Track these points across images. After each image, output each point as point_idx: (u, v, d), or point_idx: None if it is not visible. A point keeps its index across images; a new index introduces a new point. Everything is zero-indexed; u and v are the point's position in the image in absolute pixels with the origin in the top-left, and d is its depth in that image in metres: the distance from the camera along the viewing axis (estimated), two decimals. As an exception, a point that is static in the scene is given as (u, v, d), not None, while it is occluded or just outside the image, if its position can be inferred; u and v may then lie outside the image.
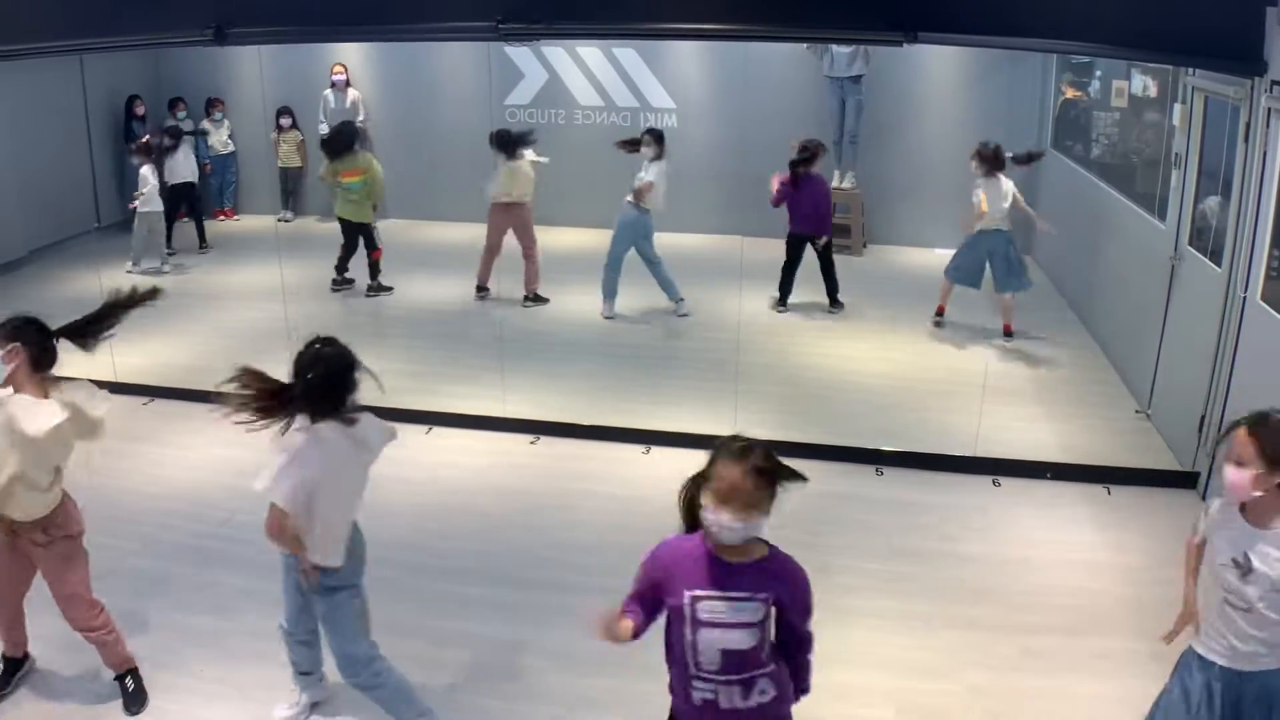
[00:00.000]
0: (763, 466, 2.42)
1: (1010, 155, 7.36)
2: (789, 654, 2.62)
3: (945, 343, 7.54)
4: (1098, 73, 8.52)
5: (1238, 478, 2.73)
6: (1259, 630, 2.78)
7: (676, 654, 2.56)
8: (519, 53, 10.39)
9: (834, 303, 8.22)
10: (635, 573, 2.65)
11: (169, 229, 9.70)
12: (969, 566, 4.74)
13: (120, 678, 3.78)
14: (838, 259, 8.35)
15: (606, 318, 8.05)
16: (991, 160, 7.23)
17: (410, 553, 4.81)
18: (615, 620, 2.60)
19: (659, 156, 7.78)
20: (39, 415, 3.33)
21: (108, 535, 4.80)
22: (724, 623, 2.47)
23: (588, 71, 10.42)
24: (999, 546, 4.93)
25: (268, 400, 3.19)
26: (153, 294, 3.70)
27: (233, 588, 4.50)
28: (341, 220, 8.52)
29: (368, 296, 8.59)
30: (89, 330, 3.57)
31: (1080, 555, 4.86)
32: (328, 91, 10.70)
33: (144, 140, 9.26)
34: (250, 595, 4.37)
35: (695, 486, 2.53)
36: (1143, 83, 7.31)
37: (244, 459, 5.58)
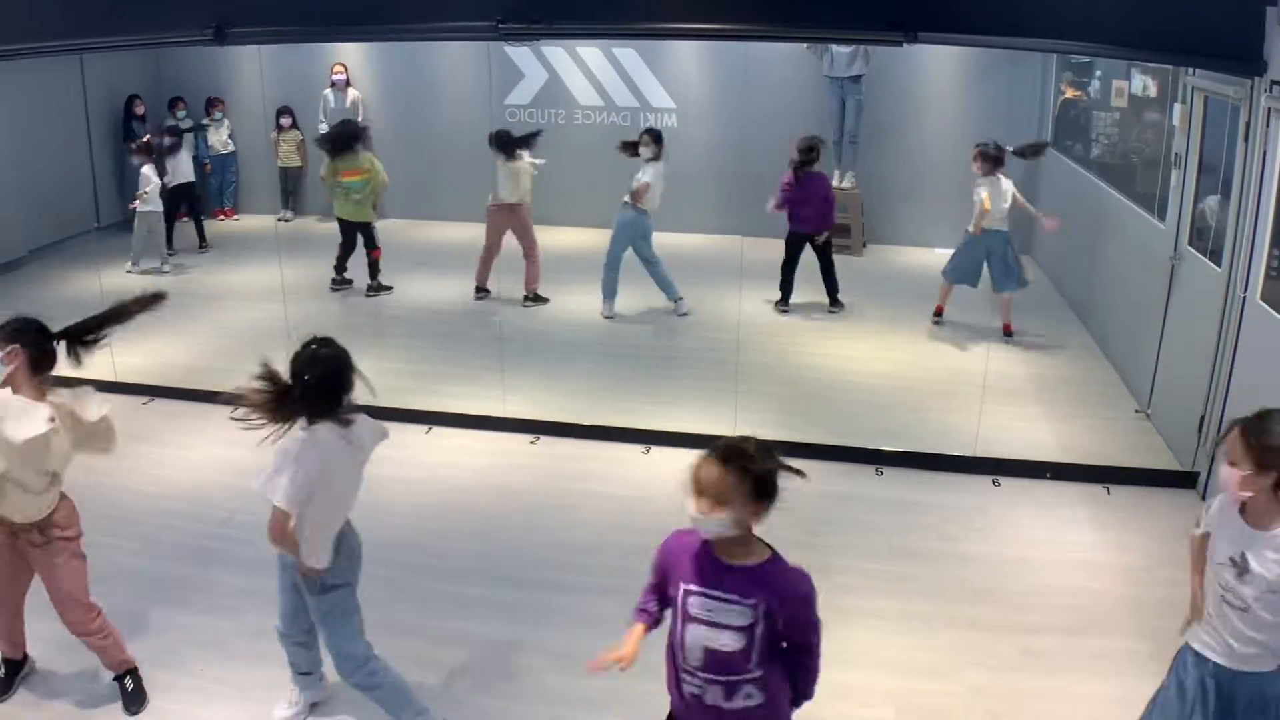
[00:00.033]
0: (727, 455, 2.40)
1: (1012, 149, 7.37)
2: (791, 659, 2.59)
3: (945, 343, 7.54)
4: (1098, 72, 8.53)
5: (1229, 477, 2.75)
6: (1256, 632, 2.78)
7: (670, 646, 2.59)
8: (519, 53, 10.39)
9: (834, 302, 8.22)
10: (651, 563, 2.69)
11: (169, 229, 9.70)
12: (969, 566, 4.74)
13: (119, 678, 3.78)
14: (838, 259, 8.36)
15: (606, 318, 8.05)
16: (994, 159, 7.24)
17: (410, 553, 4.81)
18: (626, 638, 2.63)
19: (657, 157, 7.78)
20: (24, 421, 3.33)
21: (108, 535, 4.81)
22: (710, 621, 2.48)
23: (588, 71, 10.42)
24: (999, 546, 4.93)
25: (277, 402, 3.18)
26: (158, 298, 3.69)
27: (233, 588, 4.50)
28: (340, 220, 8.52)
29: (367, 296, 8.59)
30: (89, 333, 3.56)
31: (1080, 555, 4.86)
32: (328, 91, 10.70)
33: (145, 140, 9.25)
34: (250, 595, 4.37)
35: None
36: (1143, 82, 7.31)
37: (244, 459, 5.59)
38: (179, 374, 6.88)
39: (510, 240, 8.30)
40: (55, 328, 3.55)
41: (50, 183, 9.54)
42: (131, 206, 9.09)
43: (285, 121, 10.87)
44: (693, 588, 2.51)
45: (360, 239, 8.54)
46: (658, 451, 5.84)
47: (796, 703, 2.68)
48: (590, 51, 10.33)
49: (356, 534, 3.51)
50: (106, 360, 6.31)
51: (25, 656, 3.89)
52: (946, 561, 4.77)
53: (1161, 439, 5.96)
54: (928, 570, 4.70)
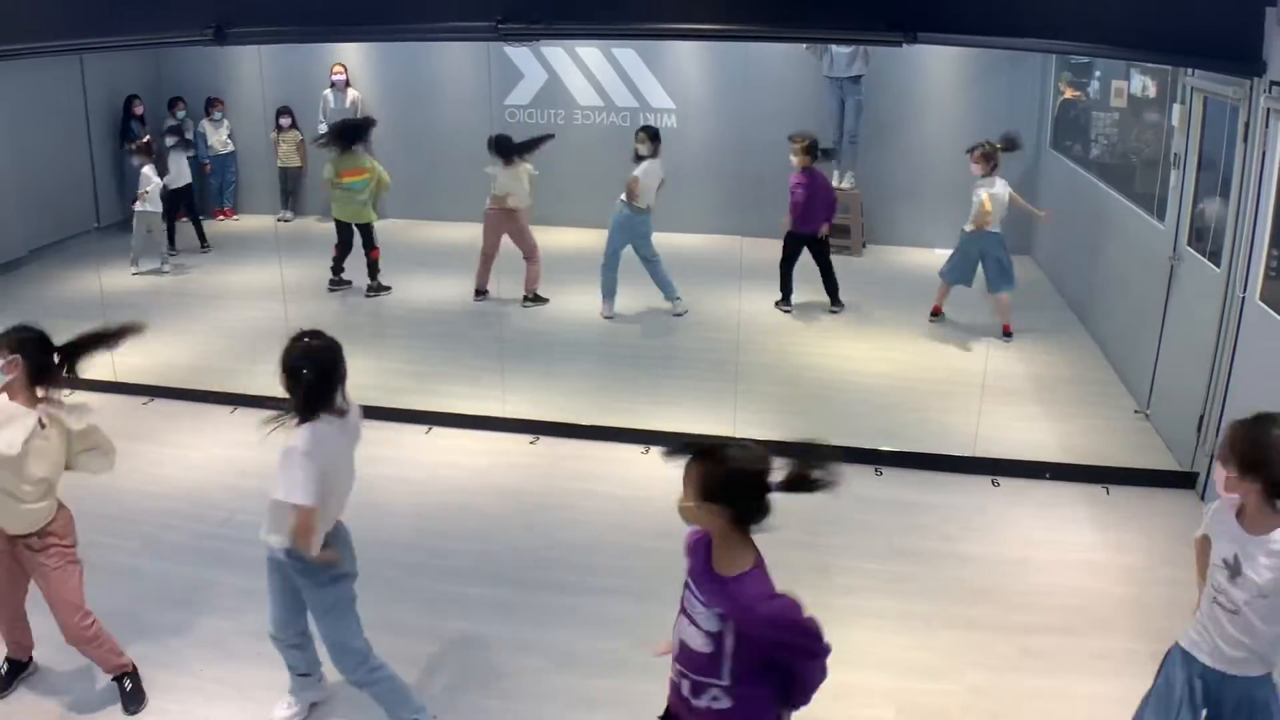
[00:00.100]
0: (701, 451, 2.46)
1: (997, 146, 7.39)
2: (784, 675, 2.57)
3: (945, 343, 7.54)
4: (1097, 73, 8.53)
5: (1217, 476, 2.80)
6: (1245, 636, 2.79)
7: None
8: (519, 53, 10.39)
9: (835, 302, 8.23)
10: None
11: (170, 229, 9.71)
12: (969, 566, 4.74)
13: (118, 679, 3.79)
14: (838, 259, 8.36)
15: (606, 318, 8.05)
16: (994, 159, 7.26)
17: (410, 553, 4.82)
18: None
19: (652, 154, 7.78)
20: (8, 429, 3.36)
21: (108, 535, 4.83)
22: (690, 617, 2.54)
23: (587, 72, 10.43)
24: (998, 546, 4.93)
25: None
26: (137, 329, 3.69)
27: (233, 587, 4.50)
28: (338, 221, 8.52)
29: (367, 296, 8.59)
30: (82, 350, 3.56)
31: (1080, 555, 4.86)
32: (327, 91, 10.70)
33: (144, 140, 9.25)
34: (250, 595, 4.37)
35: None
36: (1142, 83, 7.31)
37: (244, 459, 5.63)
38: (179, 374, 6.88)
39: (510, 241, 8.30)
40: (56, 328, 3.56)
41: (50, 183, 9.54)
42: (133, 205, 9.08)
43: (285, 121, 10.87)
44: (689, 580, 2.59)
45: (359, 240, 8.54)
46: (658, 452, 5.84)
47: (792, 705, 2.68)
48: (590, 52, 10.33)
49: (344, 523, 3.53)
50: (106, 360, 6.31)
51: (30, 658, 3.90)
52: (946, 561, 4.78)
53: (1161, 439, 5.96)
54: (927, 570, 4.70)
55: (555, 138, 8.38)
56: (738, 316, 6.91)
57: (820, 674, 2.59)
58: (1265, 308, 4.87)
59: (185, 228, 10.06)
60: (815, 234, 8.03)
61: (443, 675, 3.99)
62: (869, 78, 9.39)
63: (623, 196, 7.81)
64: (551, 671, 4.01)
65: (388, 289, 8.68)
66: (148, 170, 8.95)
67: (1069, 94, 9.17)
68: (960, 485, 5.49)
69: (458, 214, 10.09)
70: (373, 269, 8.60)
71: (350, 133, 8.35)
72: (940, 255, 8.09)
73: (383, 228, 8.92)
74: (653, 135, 7.83)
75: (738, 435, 5.64)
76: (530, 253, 8.32)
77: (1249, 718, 2.86)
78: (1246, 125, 5.07)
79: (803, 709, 2.69)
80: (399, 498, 5.31)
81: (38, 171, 9.51)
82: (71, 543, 3.65)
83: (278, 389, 3.29)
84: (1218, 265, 5.39)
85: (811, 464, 2.45)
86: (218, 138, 11.02)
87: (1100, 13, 4.87)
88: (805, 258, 8.14)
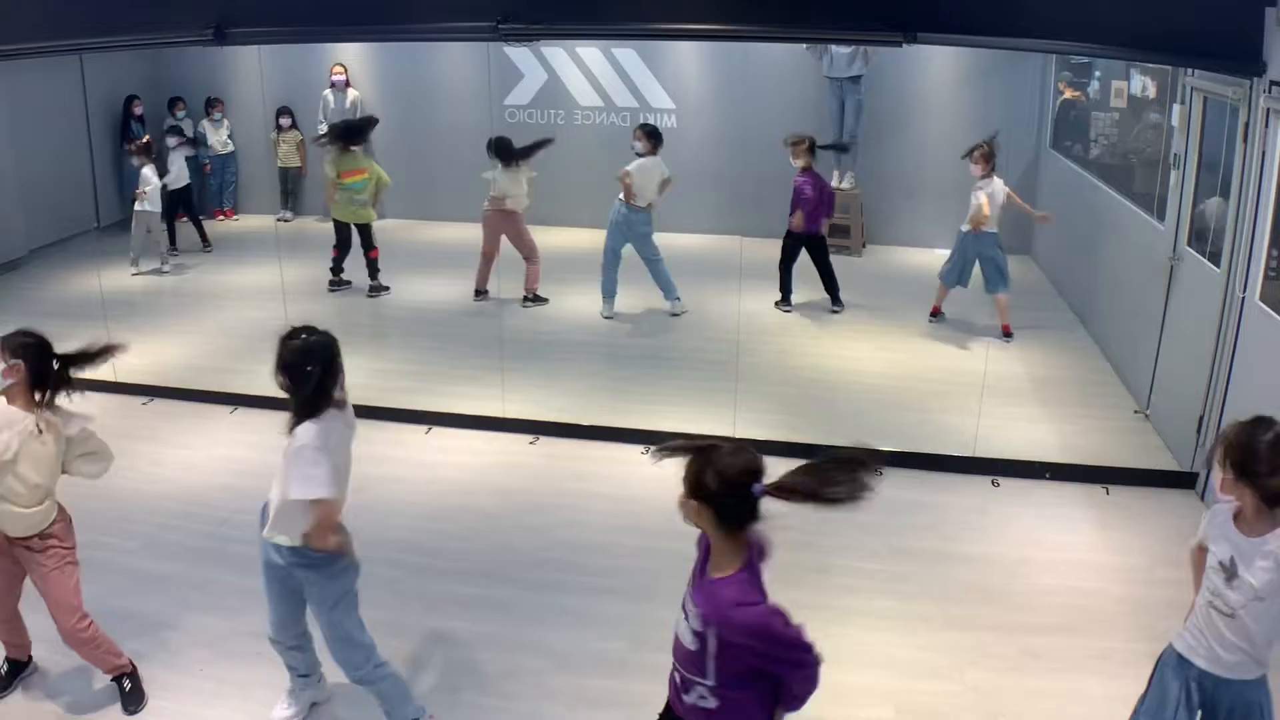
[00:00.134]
0: (695, 450, 2.46)
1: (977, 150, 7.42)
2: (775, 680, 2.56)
3: (944, 343, 7.54)
4: (1096, 73, 8.53)
5: (1215, 479, 2.81)
6: (1241, 640, 2.79)
7: None
8: (518, 53, 10.39)
9: (835, 301, 8.22)
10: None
11: (171, 230, 9.71)
12: (969, 566, 4.74)
13: (117, 679, 3.79)
14: (837, 259, 8.36)
15: (606, 318, 8.05)
16: (993, 160, 7.28)
17: (410, 553, 4.82)
18: None
19: (650, 152, 7.76)
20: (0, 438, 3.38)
21: (107, 535, 4.83)
22: (685, 611, 2.56)
23: (587, 72, 10.42)
24: (998, 547, 4.93)
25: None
26: (113, 350, 3.70)
27: (232, 587, 4.50)
28: (336, 222, 8.52)
29: (369, 297, 8.59)
30: (74, 364, 3.56)
31: (1079, 555, 4.86)
32: (327, 92, 10.70)
33: (144, 141, 9.25)
34: (250, 595, 4.35)
35: None
36: (1141, 83, 7.32)
37: (244, 459, 5.64)
38: (179, 374, 6.88)
39: (510, 242, 8.30)
40: (56, 328, 3.57)
41: (50, 183, 9.54)
42: (134, 201, 9.07)
43: (285, 122, 10.87)
44: (690, 575, 2.60)
45: (358, 240, 8.54)
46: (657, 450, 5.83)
47: (785, 708, 2.65)
48: (590, 52, 10.32)
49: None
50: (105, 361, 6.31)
51: (30, 658, 3.90)
52: (946, 561, 4.78)
53: (1160, 439, 5.96)
54: (927, 570, 4.70)
55: (554, 141, 8.35)
56: (738, 316, 6.91)
57: (808, 684, 2.55)
58: (1265, 308, 4.87)
59: (186, 228, 10.06)
60: (816, 233, 8.04)
61: (442, 675, 3.99)
62: (869, 78, 9.39)
63: (620, 195, 7.82)
64: (551, 671, 4.01)
65: (386, 289, 8.68)
66: (147, 171, 8.95)
67: (1069, 94, 9.18)
68: (960, 485, 5.49)
69: (457, 214, 10.09)
70: (373, 268, 8.60)
71: (350, 132, 8.36)
72: (940, 255, 8.09)
73: (382, 227, 8.93)
74: (649, 133, 7.83)
75: (738, 435, 5.64)
76: (530, 253, 8.32)
77: (1245, 719, 2.86)
78: (1246, 125, 5.07)
79: (802, 709, 2.70)
80: (399, 498, 5.31)
81: (38, 171, 9.51)
82: (71, 544, 3.66)
83: (278, 389, 3.28)
84: (1217, 265, 5.39)
85: (831, 480, 2.43)
86: (218, 138, 11.01)
87: (1100, 13, 4.87)
88: (805, 258, 8.14)
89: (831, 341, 7.66)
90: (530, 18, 5.17)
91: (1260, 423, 2.72)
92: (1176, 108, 6.04)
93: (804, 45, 9.16)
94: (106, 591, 4.29)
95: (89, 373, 3.59)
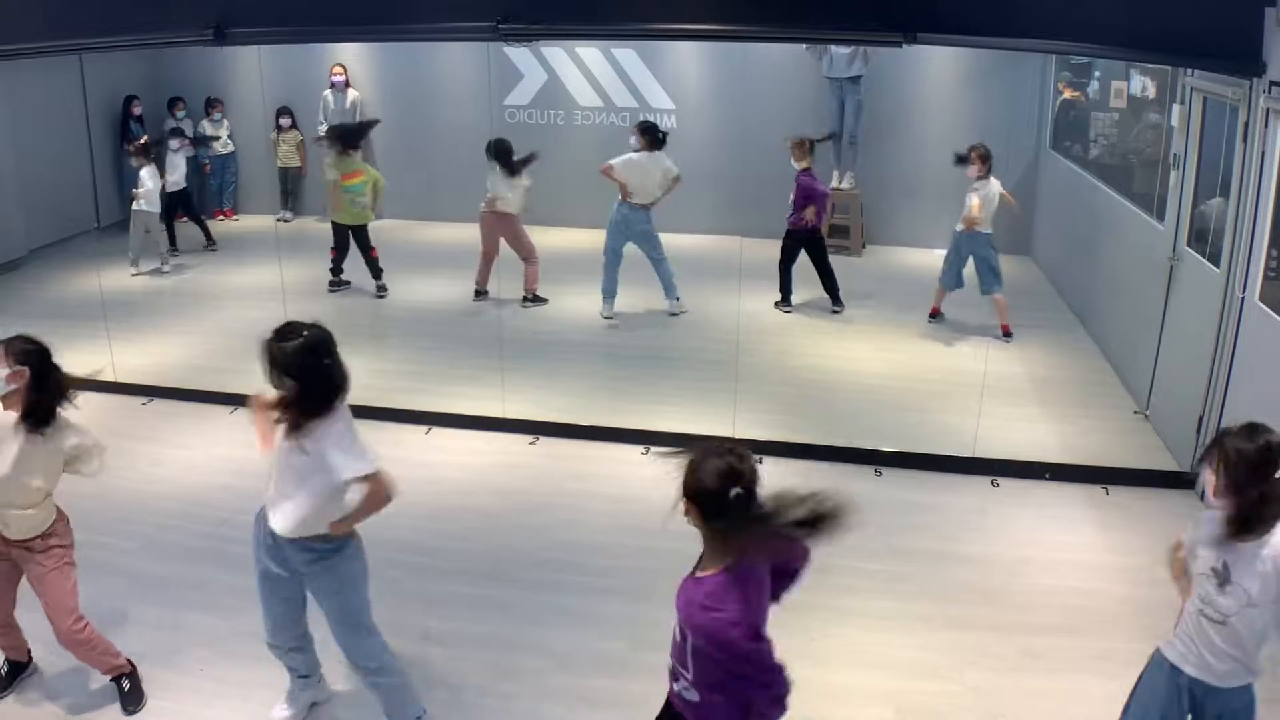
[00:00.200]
0: (695, 451, 2.49)
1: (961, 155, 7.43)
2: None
3: (944, 343, 7.54)
4: (1096, 73, 8.53)
5: (1205, 480, 2.81)
6: (1233, 648, 2.78)
7: None
8: (518, 53, 10.39)
9: (835, 301, 8.23)
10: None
11: (171, 230, 9.70)
12: (969, 566, 4.74)
13: (116, 679, 3.79)
14: (837, 259, 8.36)
15: (606, 318, 8.05)
16: (989, 160, 7.29)
17: (410, 553, 4.82)
18: None
19: (647, 149, 7.75)
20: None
21: (106, 535, 4.82)
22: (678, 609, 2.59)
23: (587, 72, 10.42)
24: (998, 547, 4.93)
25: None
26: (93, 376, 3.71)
27: (232, 587, 4.49)
28: (335, 224, 8.52)
29: (378, 296, 8.58)
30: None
31: (1079, 555, 4.86)
32: (327, 92, 10.70)
33: (142, 141, 9.24)
34: (250, 595, 4.32)
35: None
36: (1141, 83, 7.32)
37: (243, 459, 5.63)
38: (178, 374, 6.88)
39: (507, 244, 8.30)
40: (56, 328, 3.56)
41: (50, 183, 9.54)
42: (133, 202, 9.07)
43: (285, 122, 10.86)
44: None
45: (356, 242, 8.53)
46: (657, 452, 5.84)
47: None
48: (589, 52, 10.32)
49: None
50: (106, 360, 6.32)
51: (29, 659, 3.90)
52: (946, 562, 4.78)
53: (1160, 440, 5.96)
54: (927, 570, 4.70)
55: (539, 156, 8.24)
56: (737, 317, 6.91)
57: (774, 707, 2.50)
58: (1264, 308, 4.87)
59: (188, 228, 10.05)
60: (815, 233, 8.04)
61: (442, 675, 3.98)
62: (869, 78, 9.39)
63: (620, 194, 7.82)
64: (551, 671, 4.01)
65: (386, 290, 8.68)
66: (144, 173, 8.93)
67: (1068, 94, 9.17)
68: (960, 485, 5.49)
69: (457, 214, 10.07)
70: (374, 268, 8.59)
71: (349, 135, 8.36)
72: (939, 255, 8.09)
73: (381, 228, 8.93)
74: (644, 129, 7.82)
75: (738, 435, 5.65)
76: (528, 255, 8.31)
77: None
78: (1246, 125, 5.08)
79: (803, 704, 2.70)
80: (399, 498, 5.30)
81: (38, 171, 9.51)
82: (70, 544, 3.66)
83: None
84: (1217, 266, 5.39)
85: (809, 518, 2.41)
86: (217, 138, 11.01)
87: (1100, 13, 4.88)
88: (805, 258, 8.14)
89: (831, 342, 7.66)
90: (530, 18, 5.17)
91: (1252, 430, 2.72)
92: (1176, 108, 6.05)
93: (804, 45, 9.16)
94: (106, 591, 4.29)
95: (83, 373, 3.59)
